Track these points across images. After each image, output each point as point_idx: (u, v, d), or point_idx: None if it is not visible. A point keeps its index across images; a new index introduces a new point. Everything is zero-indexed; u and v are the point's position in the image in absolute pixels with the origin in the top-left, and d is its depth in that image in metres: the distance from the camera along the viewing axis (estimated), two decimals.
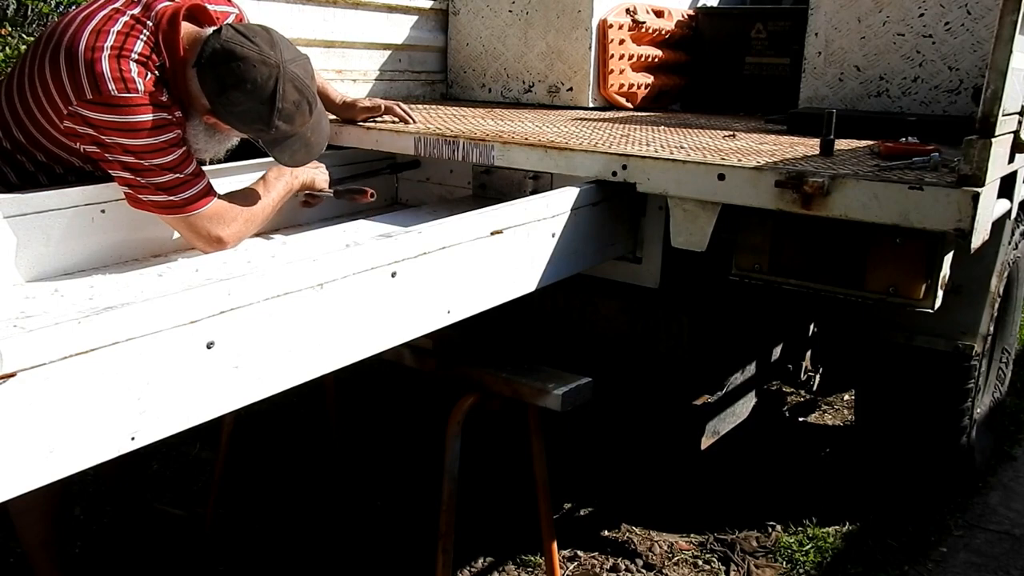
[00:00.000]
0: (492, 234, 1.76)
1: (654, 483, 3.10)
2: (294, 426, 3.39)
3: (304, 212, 2.44)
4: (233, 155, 2.29)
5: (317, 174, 2.31)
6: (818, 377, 3.71)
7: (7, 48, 4.40)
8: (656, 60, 3.78)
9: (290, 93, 1.93)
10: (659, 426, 2.76)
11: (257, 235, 2.26)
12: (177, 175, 1.89)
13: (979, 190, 1.68)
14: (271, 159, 2.11)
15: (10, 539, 2.56)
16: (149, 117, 1.83)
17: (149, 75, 1.85)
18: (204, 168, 2.05)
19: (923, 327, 2.64)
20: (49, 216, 1.85)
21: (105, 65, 1.80)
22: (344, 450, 3.04)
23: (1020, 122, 1.92)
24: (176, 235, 2.07)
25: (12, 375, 1.01)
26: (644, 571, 2.64)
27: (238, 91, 1.89)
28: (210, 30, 1.94)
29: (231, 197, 2.06)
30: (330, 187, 2.36)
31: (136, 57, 1.85)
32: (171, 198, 1.90)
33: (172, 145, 1.88)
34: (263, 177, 2.19)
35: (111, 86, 1.79)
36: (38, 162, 1.99)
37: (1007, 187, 2.17)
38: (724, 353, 2.74)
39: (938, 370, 2.69)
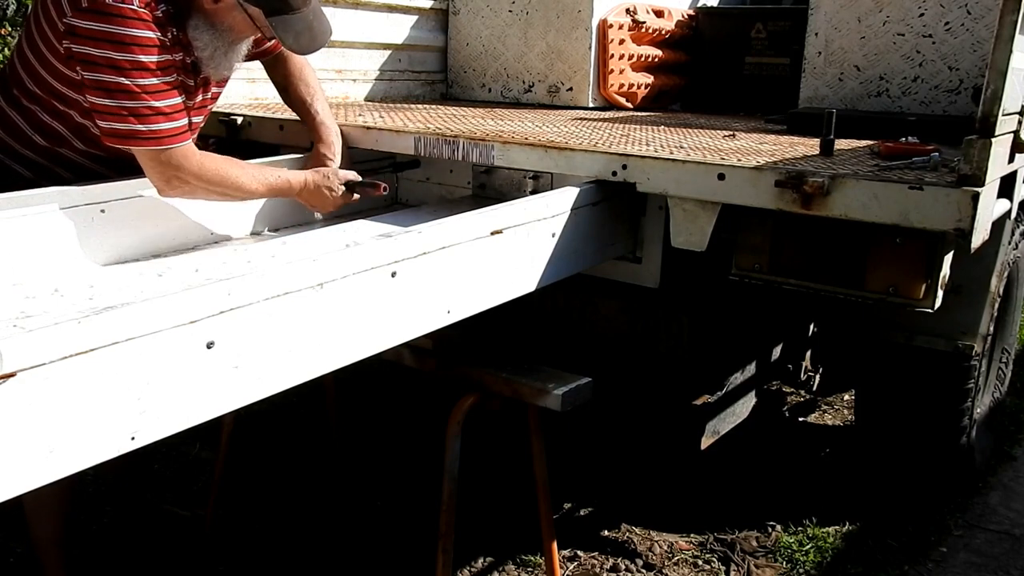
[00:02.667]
0: (492, 234, 1.76)
1: (654, 483, 3.10)
2: (294, 426, 3.39)
3: (304, 212, 2.43)
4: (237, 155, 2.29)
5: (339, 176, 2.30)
6: (818, 377, 3.71)
7: (7, 49, 4.40)
8: (656, 60, 3.78)
9: None
10: (659, 426, 2.76)
11: (257, 235, 2.26)
12: (154, 104, 1.86)
13: (979, 190, 1.68)
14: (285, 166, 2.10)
15: (10, 539, 2.57)
16: (140, 32, 1.82)
17: None
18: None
19: (923, 327, 2.64)
20: (49, 216, 1.85)
21: None
22: (344, 450, 3.04)
23: (1020, 122, 1.92)
24: (175, 236, 2.07)
25: (12, 375, 1.01)
26: (644, 571, 2.64)
27: None
28: None
29: (224, 159, 2.05)
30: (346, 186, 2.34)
31: None
32: (139, 127, 1.85)
33: (160, 69, 1.86)
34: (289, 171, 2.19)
35: None
36: (56, 111, 1.98)
37: (1007, 187, 2.17)
38: (724, 353, 2.74)
39: (938, 370, 2.69)
